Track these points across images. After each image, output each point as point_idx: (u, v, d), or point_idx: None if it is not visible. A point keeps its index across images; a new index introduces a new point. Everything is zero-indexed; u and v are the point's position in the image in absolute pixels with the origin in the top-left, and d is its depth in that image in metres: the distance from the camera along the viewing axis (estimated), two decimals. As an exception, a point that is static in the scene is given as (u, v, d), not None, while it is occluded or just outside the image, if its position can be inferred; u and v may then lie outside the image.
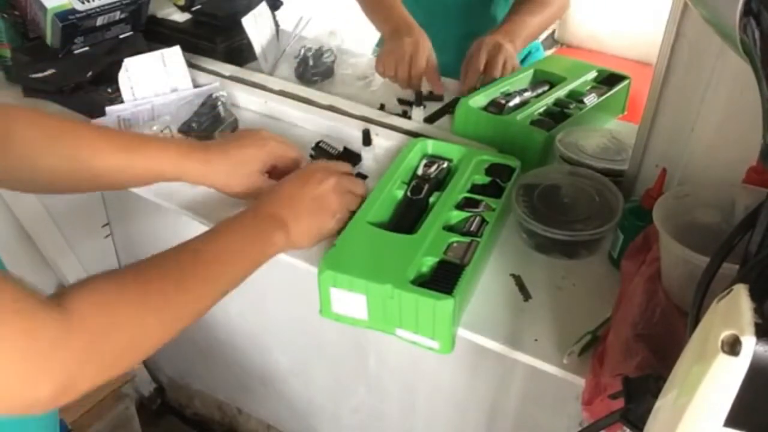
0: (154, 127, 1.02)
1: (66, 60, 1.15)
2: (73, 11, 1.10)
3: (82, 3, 1.11)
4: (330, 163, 0.90)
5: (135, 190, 0.95)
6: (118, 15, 1.17)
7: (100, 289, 0.60)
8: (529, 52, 1.48)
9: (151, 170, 0.86)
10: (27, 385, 0.53)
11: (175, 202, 0.97)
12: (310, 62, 1.25)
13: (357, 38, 1.45)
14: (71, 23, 1.10)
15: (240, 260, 0.74)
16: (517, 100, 1.09)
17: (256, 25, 1.23)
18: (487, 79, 1.18)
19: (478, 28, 1.31)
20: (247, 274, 0.74)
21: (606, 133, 1.02)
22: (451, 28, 1.41)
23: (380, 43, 1.56)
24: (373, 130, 1.06)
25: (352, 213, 0.86)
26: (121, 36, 1.21)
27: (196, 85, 1.16)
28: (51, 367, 0.53)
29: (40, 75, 1.13)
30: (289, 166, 0.93)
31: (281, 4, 1.35)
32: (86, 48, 1.16)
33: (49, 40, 1.12)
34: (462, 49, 1.23)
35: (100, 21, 1.15)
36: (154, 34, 1.27)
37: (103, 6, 1.14)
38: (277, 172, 0.92)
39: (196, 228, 0.92)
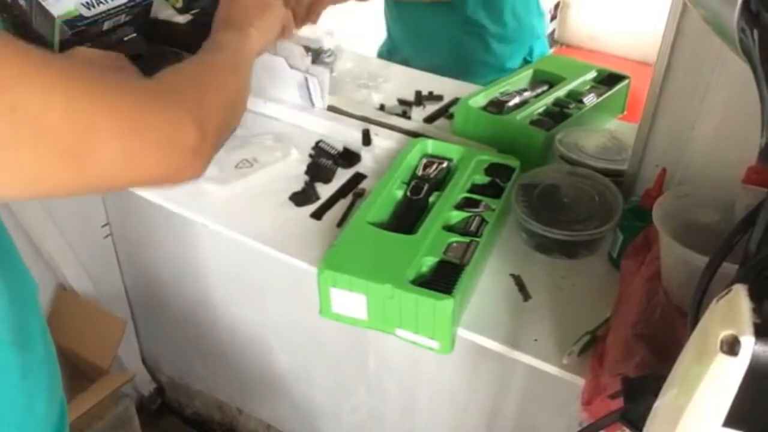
0: None
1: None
2: (81, 18, 1.10)
3: (89, 9, 1.11)
4: None
5: (135, 190, 0.95)
6: (123, 18, 1.17)
7: (167, 69, 0.66)
8: (531, 48, 1.47)
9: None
10: (173, 132, 0.55)
11: (174, 202, 0.97)
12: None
13: (357, 39, 1.45)
14: (80, 30, 1.10)
15: (243, 55, 0.82)
16: (516, 100, 1.09)
17: None
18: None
19: (469, 29, 1.31)
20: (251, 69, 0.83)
21: (606, 133, 1.02)
22: (440, 29, 1.40)
23: (383, 49, 1.56)
24: (373, 130, 1.06)
25: None
26: (125, 38, 1.21)
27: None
28: (186, 110, 0.57)
29: None
30: None
31: None
32: None
33: (57, 48, 1.12)
34: (454, 49, 1.22)
35: (106, 25, 1.14)
36: (155, 36, 1.27)
37: (109, 10, 1.13)
38: None
39: (195, 228, 0.92)
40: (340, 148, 1.05)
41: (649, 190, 0.80)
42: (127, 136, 0.52)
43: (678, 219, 0.69)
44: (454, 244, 0.80)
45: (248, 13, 0.89)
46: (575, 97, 1.11)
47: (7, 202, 1.34)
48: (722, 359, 0.34)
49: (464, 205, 0.87)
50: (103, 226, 1.53)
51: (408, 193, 0.91)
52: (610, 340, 0.70)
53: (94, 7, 1.12)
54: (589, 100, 1.10)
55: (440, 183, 0.93)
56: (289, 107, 1.13)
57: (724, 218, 0.70)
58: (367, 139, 1.04)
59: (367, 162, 1.03)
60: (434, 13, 1.40)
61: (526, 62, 1.45)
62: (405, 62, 1.42)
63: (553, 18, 3.04)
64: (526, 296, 0.81)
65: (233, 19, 0.88)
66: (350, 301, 0.77)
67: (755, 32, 0.39)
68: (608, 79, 1.17)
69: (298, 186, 0.98)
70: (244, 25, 0.86)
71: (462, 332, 0.77)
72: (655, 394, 0.45)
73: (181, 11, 1.29)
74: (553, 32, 3.03)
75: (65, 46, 1.10)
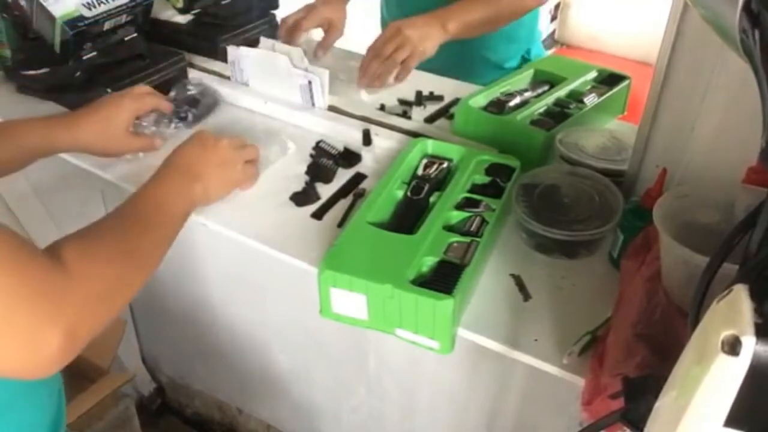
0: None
1: (64, 61, 1.15)
2: (82, 18, 1.10)
3: (89, 9, 1.11)
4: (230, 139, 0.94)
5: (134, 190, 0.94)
6: (123, 18, 1.16)
7: (83, 241, 0.66)
8: (529, 49, 1.47)
9: (23, 149, 0.90)
10: (37, 333, 0.54)
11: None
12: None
13: (356, 39, 1.45)
14: (80, 30, 1.10)
15: (173, 209, 0.81)
16: (517, 100, 1.09)
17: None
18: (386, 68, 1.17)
19: None
20: (179, 224, 0.82)
21: (606, 133, 1.02)
22: None
23: None
24: (373, 130, 1.06)
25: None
26: (125, 38, 1.21)
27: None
28: (56, 315, 0.55)
29: (32, 72, 1.13)
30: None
31: (278, 5, 1.35)
32: (94, 53, 1.16)
33: (57, 48, 1.12)
34: (456, 54, 1.22)
35: (107, 25, 1.14)
36: (156, 36, 1.27)
37: (110, 11, 1.14)
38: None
39: (195, 228, 0.92)
40: (341, 148, 1.05)
41: (650, 190, 0.80)
42: None
43: (678, 219, 0.69)
44: (455, 244, 0.80)
45: (205, 167, 0.87)
46: (576, 97, 1.11)
47: (6, 203, 1.34)
48: (723, 359, 0.34)
49: (464, 205, 0.87)
50: (103, 226, 1.53)
51: (408, 193, 0.91)
52: (611, 340, 0.70)
53: (95, 7, 1.12)
54: (590, 100, 1.10)
55: (441, 183, 0.93)
56: (289, 107, 1.13)
57: (725, 218, 0.70)
58: (367, 139, 1.04)
59: (368, 162, 1.03)
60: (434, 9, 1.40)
61: (524, 61, 1.44)
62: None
63: (554, 18, 3.04)
64: (526, 296, 0.81)
65: (186, 163, 0.86)
66: (350, 301, 0.77)
67: (756, 32, 0.39)
68: (609, 80, 1.17)
69: (298, 186, 0.98)
70: (191, 175, 0.85)
71: (462, 332, 0.77)
72: (656, 395, 0.45)
73: (181, 11, 1.30)
74: (553, 32, 3.03)
75: (66, 46, 1.10)
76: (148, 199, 0.79)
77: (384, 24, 1.53)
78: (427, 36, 1.17)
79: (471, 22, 1.21)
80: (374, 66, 1.17)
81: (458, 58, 1.30)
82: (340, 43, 1.35)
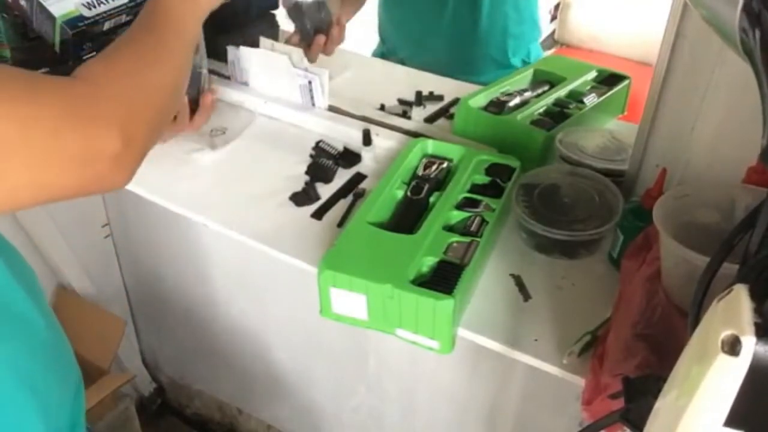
0: None
1: (64, 61, 1.15)
2: (82, 18, 1.09)
3: (89, 9, 1.11)
4: None
5: (134, 190, 0.94)
6: (123, 18, 1.16)
7: (99, 58, 0.65)
8: (529, 50, 1.47)
9: None
10: (95, 143, 0.54)
11: (175, 202, 0.97)
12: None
13: (356, 39, 1.45)
14: (80, 30, 1.10)
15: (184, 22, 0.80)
16: (517, 100, 1.09)
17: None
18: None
19: (466, 28, 1.30)
20: (191, 28, 0.82)
21: (606, 133, 1.02)
22: (441, 28, 1.40)
23: (376, 53, 1.56)
24: (373, 130, 1.06)
25: None
26: None
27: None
28: (102, 119, 0.55)
29: None
30: None
31: (278, 5, 1.35)
32: (94, 53, 1.16)
33: (57, 48, 1.12)
34: (452, 49, 1.22)
35: (107, 26, 1.14)
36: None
37: (110, 10, 1.13)
38: None
39: (196, 228, 0.92)
40: (341, 148, 1.05)
41: (650, 190, 0.80)
42: (41, 166, 0.51)
43: (678, 219, 0.69)
44: (455, 244, 0.80)
45: None
46: (576, 97, 1.11)
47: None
48: (723, 359, 0.34)
49: (464, 205, 0.87)
50: (103, 226, 1.53)
51: (408, 193, 0.91)
52: (611, 340, 0.70)
53: (95, 7, 1.12)
54: (590, 100, 1.10)
55: (440, 183, 0.93)
56: (289, 107, 1.13)
57: (724, 218, 0.70)
58: (367, 139, 1.04)
59: (368, 162, 1.03)
60: (424, 14, 1.40)
61: (524, 63, 1.45)
62: (401, 64, 1.42)
63: (554, 18, 3.04)
64: (526, 296, 0.81)
65: None
66: (350, 301, 0.77)
67: (757, 32, 0.39)
68: (609, 80, 1.17)
69: (298, 186, 0.98)
70: None
71: (462, 332, 0.77)
72: (656, 395, 0.45)
73: (181, 11, 1.29)
74: (553, 32, 3.03)
75: (66, 46, 1.10)
76: (156, 11, 0.78)
77: (381, 24, 1.53)
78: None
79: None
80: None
81: (460, 56, 1.30)
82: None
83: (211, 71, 1.24)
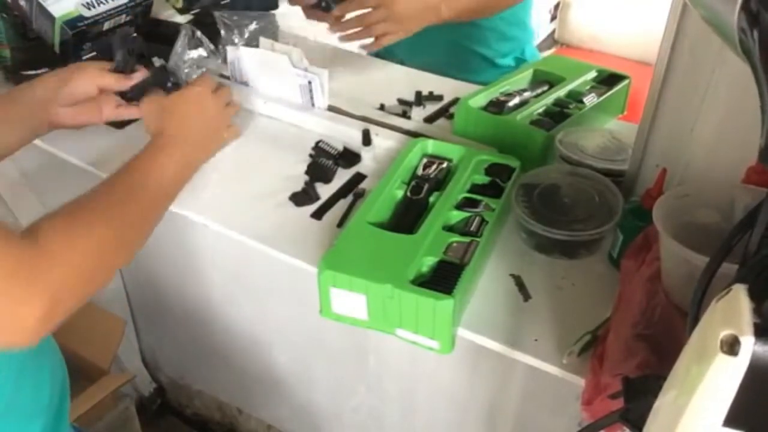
0: None
1: (64, 61, 1.15)
2: (81, 18, 1.10)
3: (89, 9, 1.11)
4: (203, 81, 0.95)
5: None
6: (123, 18, 1.16)
7: (60, 218, 0.64)
8: (523, 50, 1.47)
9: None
10: (16, 308, 0.55)
11: (175, 202, 0.97)
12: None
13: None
14: (80, 30, 1.10)
15: (160, 176, 0.80)
16: (516, 100, 1.09)
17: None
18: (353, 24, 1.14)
19: (461, 29, 1.30)
20: (170, 191, 0.82)
21: (606, 133, 1.02)
22: (435, 29, 1.40)
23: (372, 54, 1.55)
24: (373, 130, 1.06)
25: None
26: None
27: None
28: (30, 292, 0.55)
29: (32, 72, 1.13)
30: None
31: (277, 5, 1.35)
32: (93, 53, 1.16)
33: (57, 48, 1.12)
34: (447, 50, 1.22)
35: (107, 25, 1.14)
36: (156, 36, 1.27)
37: (109, 11, 1.13)
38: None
39: (195, 228, 0.92)
40: (340, 148, 1.05)
41: (650, 190, 0.80)
42: None
43: (678, 219, 0.69)
44: (455, 244, 0.80)
45: (182, 123, 0.87)
46: (575, 97, 1.11)
47: (6, 202, 1.34)
48: (722, 359, 0.35)
49: (464, 205, 0.87)
50: (103, 226, 1.53)
51: (408, 193, 0.91)
52: (610, 340, 0.70)
53: (94, 7, 1.12)
54: (590, 100, 1.10)
55: (440, 183, 0.93)
56: (289, 107, 1.13)
57: (724, 218, 0.70)
58: (367, 139, 1.04)
59: (368, 162, 1.03)
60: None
61: (520, 62, 1.44)
62: (400, 64, 1.42)
63: (554, 18, 3.04)
64: (526, 296, 0.81)
65: (165, 127, 0.86)
66: (350, 301, 0.77)
67: (755, 32, 0.39)
68: (608, 79, 1.17)
69: (298, 186, 0.98)
70: (170, 137, 0.84)
71: (462, 332, 0.77)
72: (655, 395, 0.45)
73: (181, 11, 1.30)
74: (553, 32, 3.03)
75: (65, 46, 1.10)
76: (133, 170, 0.77)
77: None
78: (417, 18, 1.14)
79: (467, 7, 1.19)
80: (349, 25, 1.15)
81: (451, 54, 1.30)
82: (338, 43, 1.35)
83: (210, 71, 1.24)
